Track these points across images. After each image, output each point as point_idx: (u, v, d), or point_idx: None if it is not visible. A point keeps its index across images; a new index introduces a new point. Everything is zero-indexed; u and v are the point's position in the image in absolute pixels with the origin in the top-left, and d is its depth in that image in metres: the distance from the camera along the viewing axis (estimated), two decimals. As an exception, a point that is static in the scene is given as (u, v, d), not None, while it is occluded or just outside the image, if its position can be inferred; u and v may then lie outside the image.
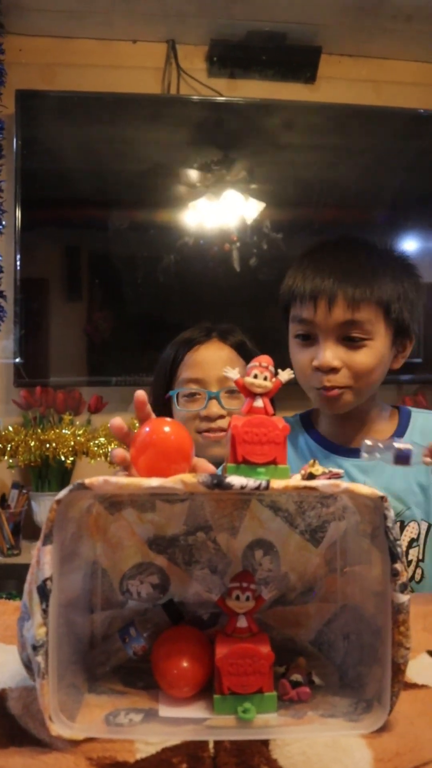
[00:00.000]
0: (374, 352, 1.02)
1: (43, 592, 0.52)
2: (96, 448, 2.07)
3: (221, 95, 2.46)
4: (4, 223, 2.23)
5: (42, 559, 0.52)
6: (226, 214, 2.44)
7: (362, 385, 1.03)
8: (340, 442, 1.13)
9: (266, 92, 2.48)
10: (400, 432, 1.12)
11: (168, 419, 0.61)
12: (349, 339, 1.01)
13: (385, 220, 2.60)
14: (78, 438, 2.10)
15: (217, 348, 1.25)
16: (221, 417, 1.18)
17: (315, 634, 0.69)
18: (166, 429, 0.59)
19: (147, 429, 0.59)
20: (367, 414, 1.12)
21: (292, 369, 0.60)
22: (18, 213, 2.28)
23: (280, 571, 0.69)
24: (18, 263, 2.29)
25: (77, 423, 2.20)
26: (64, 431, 2.09)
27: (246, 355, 1.25)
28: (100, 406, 2.27)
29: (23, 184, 2.30)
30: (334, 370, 1.01)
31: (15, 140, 2.28)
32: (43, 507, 2.17)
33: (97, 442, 2.09)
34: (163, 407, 1.24)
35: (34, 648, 0.52)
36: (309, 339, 1.04)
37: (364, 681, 0.62)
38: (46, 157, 2.36)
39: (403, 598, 0.55)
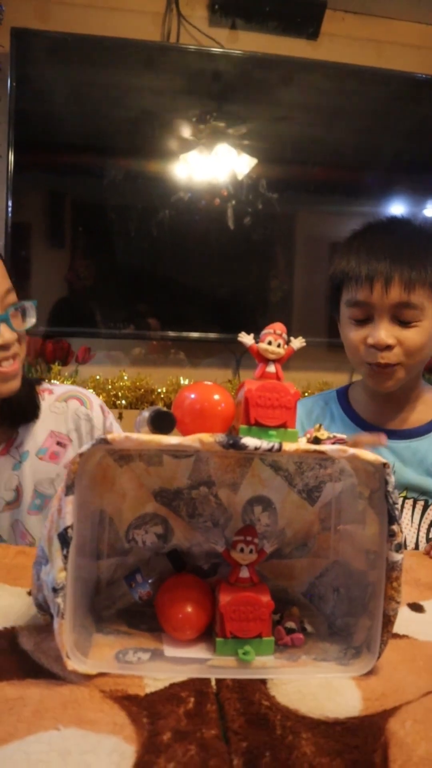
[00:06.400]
0: (425, 331, 1.06)
1: (65, 539, 0.55)
2: (84, 399, 2.09)
3: (221, 46, 2.41)
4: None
5: (64, 509, 0.55)
6: (218, 167, 2.42)
7: (413, 362, 1.07)
8: (376, 422, 1.16)
9: (267, 46, 2.43)
10: None
11: (210, 383, 0.63)
12: (402, 322, 1.05)
13: (379, 182, 2.61)
14: (66, 388, 2.11)
15: None
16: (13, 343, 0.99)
17: (307, 586, 0.74)
18: (216, 397, 0.61)
19: (193, 395, 0.61)
20: (407, 395, 1.15)
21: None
22: (11, 156, 2.24)
23: (278, 527, 0.73)
24: (9, 208, 2.26)
25: (65, 373, 2.21)
26: (52, 381, 2.10)
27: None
28: (88, 357, 2.28)
29: (17, 126, 2.25)
30: (388, 348, 1.05)
31: (9, 81, 2.22)
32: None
33: (84, 392, 2.10)
34: None
35: (54, 590, 0.55)
36: (362, 317, 1.07)
37: (351, 630, 0.66)
38: (40, 99, 2.31)
39: (398, 556, 0.59)
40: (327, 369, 2.45)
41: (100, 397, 2.10)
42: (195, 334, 2.42)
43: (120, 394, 2.09)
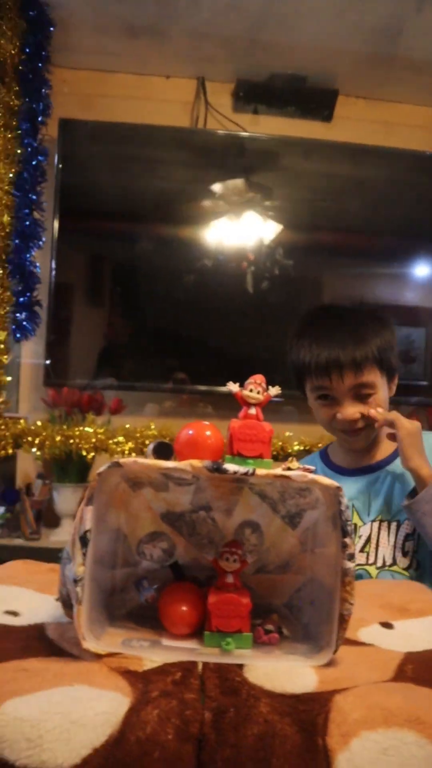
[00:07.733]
0: (380, 398, 1.28)
1: (84, 540, 0.70)
2: (114, 446, 2.27)
3: (245, 130, 2.66)
4: (44, 238, 2.44)
5: (84, 516, 0.70)
6: (244, 233, 2.63)
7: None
8: (349, 466, 1.40)
9: (286, 128, 2.68)
10: (396, 453, 1.35)
11: (206, 423, 0.79)
12: (361, 396, 1.27)
13: (391, 247, 2.79)
14: (99, 436, 2.29)
15: None
16: None
17: (287, 599, 0.87)
18: (207, 433, 0.77)
19: (191, 431, 0.77)
20: (372, 443, 1.37)
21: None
22: (56, 224, 2.50)
23: (263, 546, 0.87)
24: (53, 271, 2.50)
25: (98, 422, 2.39)
26: (86, 429, 2.29)
27: None
28: (120, 408, 2.47)
29: (62, 198, 2.51)
30: (355, 420, 1.27)
31: (56, 161, 2.50)
32: (63, 497, 2.36)
33: (115, 440, 2.28)
34: None
35: (75, 581, 0.70)
36: (328, 399, 1.29)
37: (321, 635, 0.79)
38: (83, 175, 2.58)
39: (350, 564, 0.72)
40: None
41: (129, 444, 2.28)
42: (222, 389, 2.58)
43: (147, 441, 2.27)
